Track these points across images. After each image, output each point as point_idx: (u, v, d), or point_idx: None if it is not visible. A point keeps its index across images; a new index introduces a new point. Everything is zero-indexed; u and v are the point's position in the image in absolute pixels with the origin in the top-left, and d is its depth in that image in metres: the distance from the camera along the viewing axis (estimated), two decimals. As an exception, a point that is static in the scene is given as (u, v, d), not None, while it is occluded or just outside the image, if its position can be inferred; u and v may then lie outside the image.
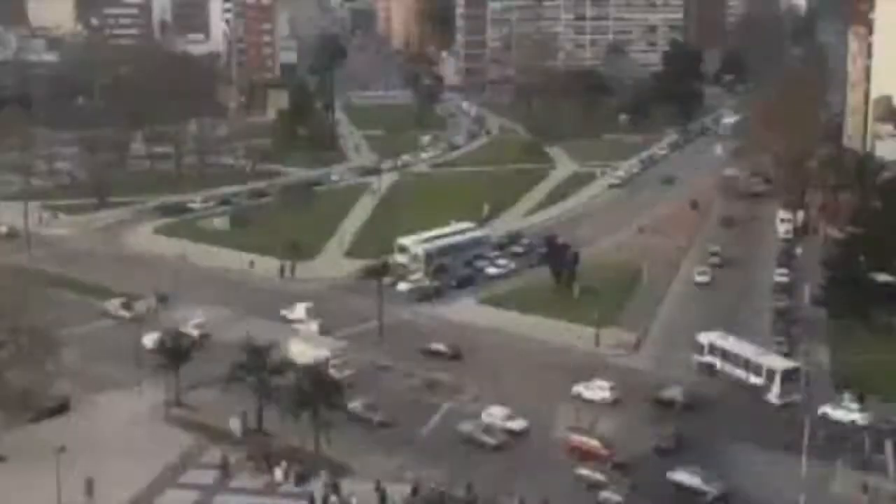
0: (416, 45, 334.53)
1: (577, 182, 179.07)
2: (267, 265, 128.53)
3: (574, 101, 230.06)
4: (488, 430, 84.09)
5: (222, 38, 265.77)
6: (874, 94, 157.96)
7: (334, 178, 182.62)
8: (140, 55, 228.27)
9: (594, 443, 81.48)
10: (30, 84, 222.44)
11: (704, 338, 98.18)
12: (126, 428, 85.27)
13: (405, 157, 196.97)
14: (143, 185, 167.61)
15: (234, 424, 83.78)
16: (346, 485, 75.83)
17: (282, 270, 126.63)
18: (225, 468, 78.79)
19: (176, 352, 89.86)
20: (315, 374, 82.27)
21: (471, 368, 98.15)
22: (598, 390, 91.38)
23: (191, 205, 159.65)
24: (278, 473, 77.53)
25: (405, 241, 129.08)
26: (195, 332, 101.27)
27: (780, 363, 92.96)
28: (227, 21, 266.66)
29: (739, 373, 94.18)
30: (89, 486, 73.62)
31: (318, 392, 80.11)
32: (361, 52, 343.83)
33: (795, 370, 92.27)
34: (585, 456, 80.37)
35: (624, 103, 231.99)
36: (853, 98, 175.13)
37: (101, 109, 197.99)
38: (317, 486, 75.96)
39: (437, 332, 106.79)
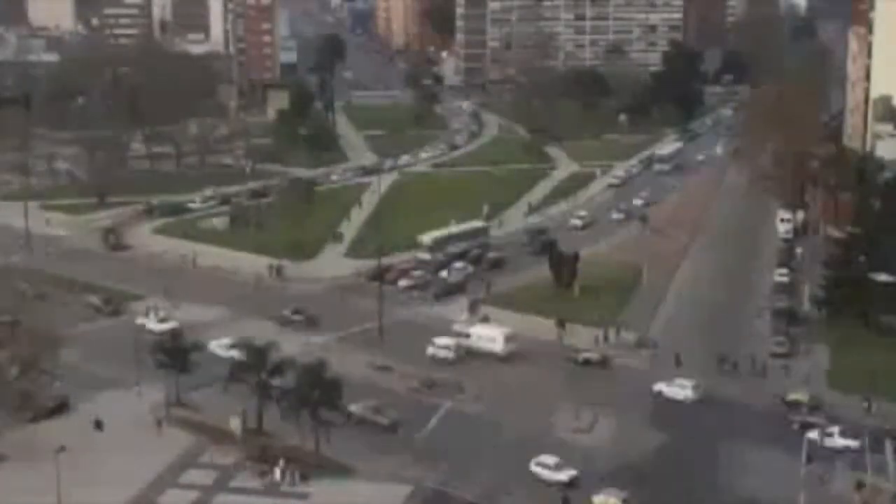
0: (416, 45, 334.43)
1: (576, 182, 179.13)
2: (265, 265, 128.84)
3: (574, 101, 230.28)
4: None
5: (222, 38, 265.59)
6: (874, 94, 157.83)
7: (334, 178, 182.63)
8: (140, 55, 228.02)
9: None
10: (30, 84, 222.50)
11: None
12: (126, 428, 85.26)
13: (405, 157, 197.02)
14: (143, 185, 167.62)
15: (234, 424, 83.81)
16: (348, 485, 75.97)
17: (277, 271, 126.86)
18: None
19: (176, 352, 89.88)
20: (315, 374, 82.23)
21: (469, 369, 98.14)
22: None
23: (191, 205, 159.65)
24: (278, 473, 77.59)
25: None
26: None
27: None
28: (227, 21, 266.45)
29: None
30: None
31: (317, 392, 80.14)
32: (361, 52, 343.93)
33: None
34: None
35: (624, 103, 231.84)
36: (853, 98, 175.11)
37: (101, 109, 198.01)
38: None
39: (437, 331, 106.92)
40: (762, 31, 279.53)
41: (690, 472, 78.75)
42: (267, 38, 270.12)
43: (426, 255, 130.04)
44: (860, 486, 75.57)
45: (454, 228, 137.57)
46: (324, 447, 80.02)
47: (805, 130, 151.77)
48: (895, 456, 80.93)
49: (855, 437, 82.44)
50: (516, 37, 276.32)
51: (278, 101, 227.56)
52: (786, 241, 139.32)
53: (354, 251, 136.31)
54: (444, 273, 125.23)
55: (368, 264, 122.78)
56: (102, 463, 78.33)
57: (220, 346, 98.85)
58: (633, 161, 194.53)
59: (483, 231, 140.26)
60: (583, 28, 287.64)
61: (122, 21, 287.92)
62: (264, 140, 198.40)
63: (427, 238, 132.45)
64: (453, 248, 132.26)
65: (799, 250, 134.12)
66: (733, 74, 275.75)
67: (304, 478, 77.30)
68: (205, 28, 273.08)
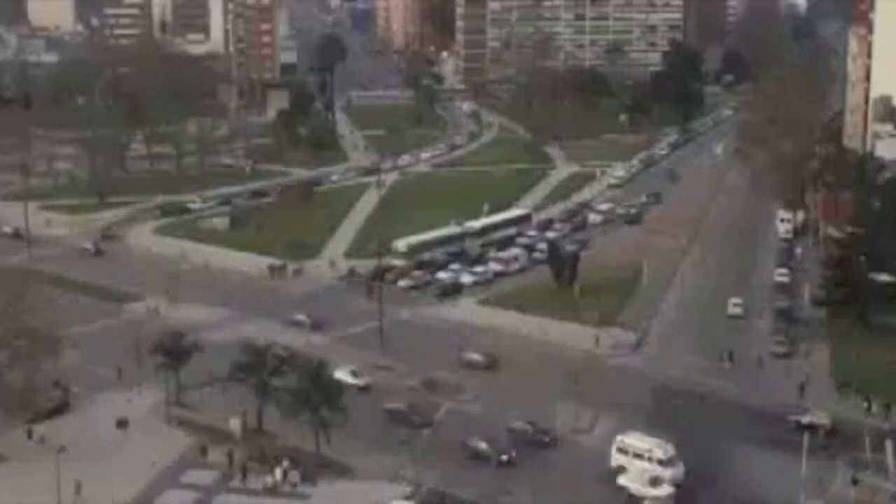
0: (416, 45, 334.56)
1: (576, 182, 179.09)
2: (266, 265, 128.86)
3: (574, 101, 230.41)
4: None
5: (222, 38, 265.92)
6: (874, 94, 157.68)
7: (334, 178, 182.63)
8: (140, 55, 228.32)
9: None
10: (30, 84, 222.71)
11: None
12: (126, 428, 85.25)
13: (405, 157, 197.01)
14: (143, 185, 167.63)
15: (234, 424, 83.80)
16: (346, 485, 75.94)
17: (279, 270, 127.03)
18: (230, 461, 79.48)
19: (176, 352, 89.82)
20: (315, 374, 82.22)
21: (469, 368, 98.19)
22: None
23: (191, 205, 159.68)
24: (278, 473, 77.59)
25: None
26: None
27: None
28: (228, 21, 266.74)
29: None
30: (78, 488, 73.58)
31: (317, 392, 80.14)
32: (361, 52, 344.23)
33: None
34: None
35: (624, 103, 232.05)
36: (853, 98, 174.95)
37: (101, 109, 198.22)
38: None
39: (437, 331, 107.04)
40: (762, 31, 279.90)
41: (689, 472, 78.71)
42: (267, 38, 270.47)
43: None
44: (855, 482, 75.60)
45: (431, 234, 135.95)
46: (324, 447, 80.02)
47: (805, 130, 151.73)
48: (895, 456, 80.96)
49: None
50: (516, 37, 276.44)
51: (278, 101, 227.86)
52: (786, 241, 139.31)
53: (355, 251, 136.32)
54: (442, 274, 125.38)
55: (359, 265, 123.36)
56: (103, 463, 78.30)
57: None
58: (634, 161, 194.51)
59: (460, 236, 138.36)
60: (583, 28, 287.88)
61: (122, 21, 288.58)
62: (264, 140, 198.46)
63: (402, 244, 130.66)
64: (429, 255, 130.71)
65: (799, 250, 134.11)
66: (733, 74, 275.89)
67: (304, 478, 77.30)
68: (205, 28, 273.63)
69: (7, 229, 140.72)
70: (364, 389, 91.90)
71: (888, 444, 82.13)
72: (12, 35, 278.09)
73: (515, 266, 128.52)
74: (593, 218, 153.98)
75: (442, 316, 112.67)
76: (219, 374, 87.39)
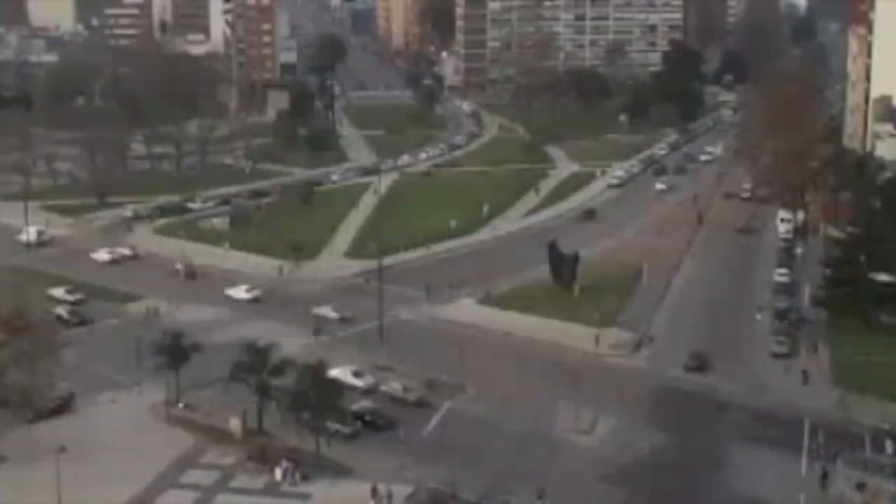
0: (416, 45, 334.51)
1: (576, 182, 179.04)
2: (269, 265, 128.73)
3: (574, 101, 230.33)
4: None
5: (222, 38, 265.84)
6: (874, 94, 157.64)
7: (334, 178, 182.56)
8: (140, 55, 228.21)
9: None
10: (30, 84, 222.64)
11: None
12: (126, 428, 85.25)
13: (405, 157, 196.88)
14: (143, 185, 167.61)
15: (234, 424, 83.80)
16: (348, 485, 75.99)
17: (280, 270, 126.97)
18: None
19: (176, 352, 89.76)
20: (315, 374, 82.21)
21: (469, 368, 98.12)
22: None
23: (191, 205, 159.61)
24: (278, 473, 77.60)
25: None
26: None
27: None
28: (228, 21, 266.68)
29: None
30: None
31: (317, 392, 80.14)
32: (362, 52, 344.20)
33: None
34: None
35: (624, 103, 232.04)
36: (853, 98, 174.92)
37: (101, 109, 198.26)
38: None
39: (437, 331, 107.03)
40: (762, 31, 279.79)
41: (690, 472, 78.77)
42: (267, 38, 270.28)
43: None
44: (861, 486, 75.51)
45: None
46: (324, 447, 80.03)
47: (805, 130, 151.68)
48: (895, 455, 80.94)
49: None
50: (516, 37, 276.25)
51: (278, 101, 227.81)
52: (786, 241, 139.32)
53: (355, 251, 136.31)
54: None
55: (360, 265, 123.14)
56: (102, 463, 78.32)
57: None
58: (633, 161, 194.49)
59: None
60: (583, 28, 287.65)
61: (122, 21, 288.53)
62: (264, 140, 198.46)
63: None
64: None
65: (799, 250, 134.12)
66: (733, 74, 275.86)
67: (305, 478, 77.32)
68: (205, 28, 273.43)
69: (126, 251, 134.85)
70: (368, 392, 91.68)
71: (888, 444, 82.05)
72: (12, 35, 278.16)
73: None
74: None
75: (442, 316, 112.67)
76: (219, 374, 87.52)
